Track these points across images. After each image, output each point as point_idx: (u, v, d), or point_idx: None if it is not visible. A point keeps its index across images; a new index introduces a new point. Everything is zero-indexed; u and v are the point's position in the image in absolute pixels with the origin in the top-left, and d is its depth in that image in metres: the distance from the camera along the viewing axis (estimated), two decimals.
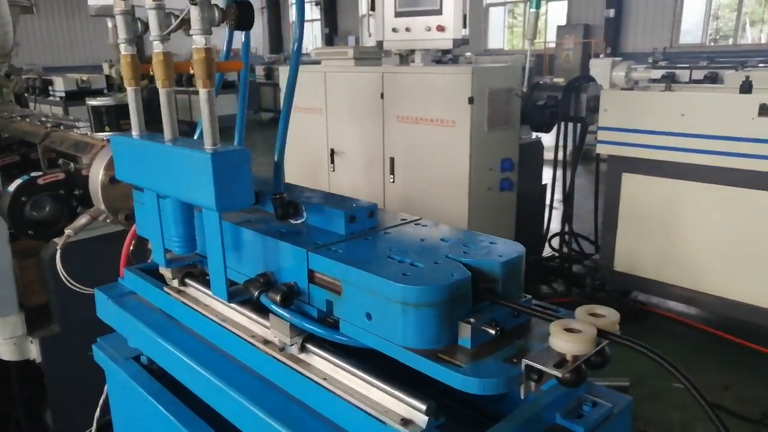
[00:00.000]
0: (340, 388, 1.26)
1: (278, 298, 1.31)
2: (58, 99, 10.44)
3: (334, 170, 5.62)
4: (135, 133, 1.53)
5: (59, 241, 2.20)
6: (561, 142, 5.27)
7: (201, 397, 1.60)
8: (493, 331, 1.14)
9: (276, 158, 1.49)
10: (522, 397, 1.06)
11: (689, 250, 4.25)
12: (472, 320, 1.14)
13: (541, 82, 5.61)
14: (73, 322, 2.86)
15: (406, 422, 1.14)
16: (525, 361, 1.04)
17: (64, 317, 2.88)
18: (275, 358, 1.41)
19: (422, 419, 1.13)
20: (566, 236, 5.31)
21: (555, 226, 5.77)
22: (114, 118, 2.48)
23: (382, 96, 5.01)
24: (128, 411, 2.03)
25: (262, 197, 1.63)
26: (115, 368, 1.96)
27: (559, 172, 5.38)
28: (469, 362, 1.10)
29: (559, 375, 1.00)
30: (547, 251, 5.76)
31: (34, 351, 2.87)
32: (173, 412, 1.66)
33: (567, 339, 1.01)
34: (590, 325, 1.04)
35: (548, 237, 5.69)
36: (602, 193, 5.11)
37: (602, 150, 4.65)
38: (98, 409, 2.38)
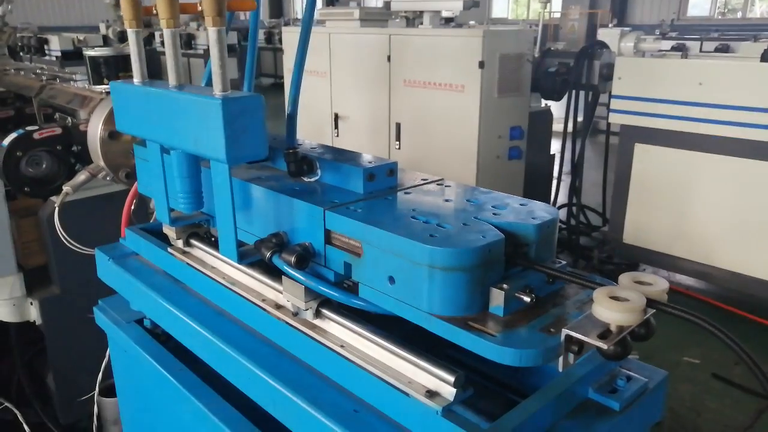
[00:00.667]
0: (358, 356, 1.18)
1: (293, 259, 1.22)
2: (54, 58, 10.21)
3: (338, 135, 5.49)
4: (137, 80, 1.41)
5: (57, 199, 2.10)
6: (572, 112, 5.14)
7: (208, 363, 1.52)
8: (528, 299, 1.05)
9: (289, 109, 1.38)
10: (560, 370, 0.97)
11: (702, 223, 4.17)
12: (505, 286, 1.05)
13: (552, 48, 5.45)
14: (73, 284, 2.78)
15: (431, 394, 1.06)
16: (565, 331, 0.95)
17: (64, 278, 2.80)
18: (288, 323, 1.33)
19: (449, 391, 1.04)
20: (574, 208, 5.22)
21: (562, 197, 5.67)
22: (113, 70, 2.35)
23: (388, 59, 4.86)
24: (131, 375, 1.96)
25: (273, 153, 1.53)
26: (117, 331, 1.88)
27: (568, 143, 5.26)
28: (503, 331, 1.01)
29: (604, 347, 0.91)
30: None
31: (33, 313, 2.80)
32: (178, 377, 1.59)
33: (614, 308, 0.92)
34: (638, 294, 0.95)
35: (556, 208, 5.60)
36: (612, 164, 5.00)
37: (615, 119, 4.53)
38: (101, 373, 2.32)
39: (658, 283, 1.00)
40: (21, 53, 12.76)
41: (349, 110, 5.36)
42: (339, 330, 1.25)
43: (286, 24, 19.69)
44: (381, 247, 1.12)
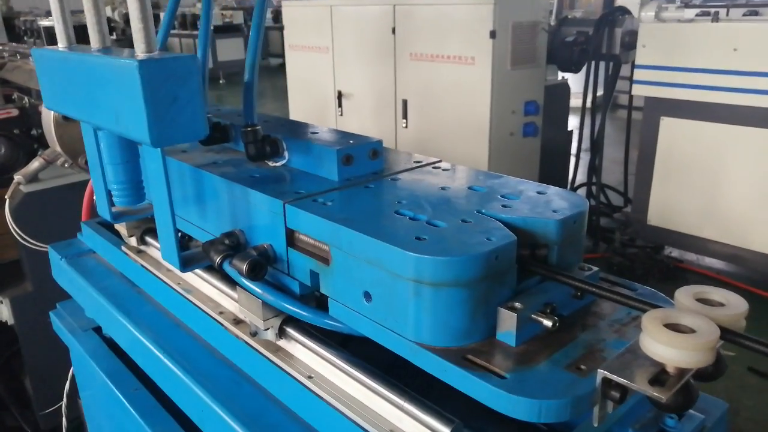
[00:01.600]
0: (329, 392, 0.92)
1: (245, 267, 0.95)
2: None
3: (342, 114, 5.20)
4: (62, 45, 1.15)
5: (8, 190, 1.85)
6: (591, 85, 4.78)
7: (160, 386, 1.27)
8: (549, 322, 0.77)
9: (246, 77, 1.11)
10: (595, 425, 0.70)
11: (734, 202, 3.84)
12: (518, 305, 0.78)
13: (570, 16, 5.08)
14: (46, 280, 2.54)
15: None
16: (602, 373, 0.68)
17: (37, 274, 2.57)
18: (247, 344, 1.07)
19: None
20: (593, 187, 4.89)
21: (581, 176, 5.34)
22: None
23: (393, 31, 4.53)
24: (90, 385, 1.72)
25: (233, 133, 1.27)
26: (71, 340, 1.64)
27: (587, 119, 4.91)
28: (515, 369, 0.74)
29: (662, 398, 0.64)
30: None
31: (5, 312, 2.58)
32: (130, 398, 1.34)
33: (676, 344, 0.64)
34: (708, 322, 0.67)
35: (574, 188, 5.28)
36: (634, 141, 4.66)
37: (638, 91, 4.18)
38: (68, 382, 2.10)
39: (733, 303, 0.71)
40: (25, 37, 12.58)
41: (353, 87, 5.06)
42: (307, 355, 0.99)
43: None
44: (353, 254, 0.85)
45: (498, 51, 4.00)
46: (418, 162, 1.19)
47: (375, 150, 1.11)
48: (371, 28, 4.71)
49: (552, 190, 0.99)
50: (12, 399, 2.74)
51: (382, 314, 0.83)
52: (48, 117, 1.84)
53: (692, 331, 0.66)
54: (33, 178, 1.96)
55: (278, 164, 1.17)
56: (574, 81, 5.13)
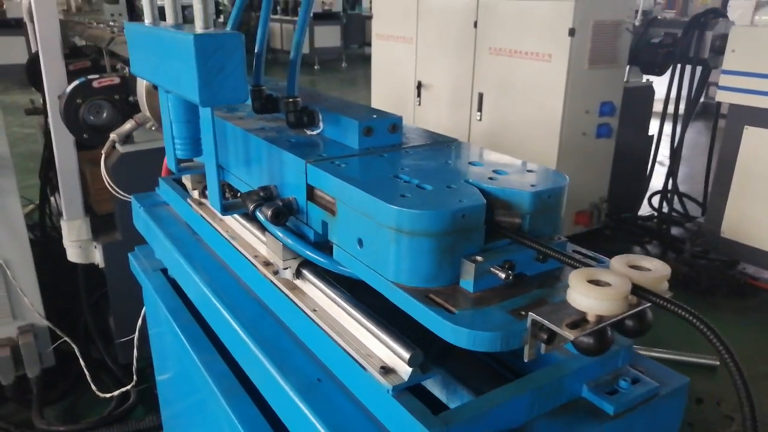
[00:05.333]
0: (327, 323, 1.09)
1: (269, 213, 1.14)
2: None
3: (419, 104, 5.34)
4: (147, 20, 1.38)
5: (104, 146, 2.16)
6: (675, 90, 4.65)
7: (205, 317, 1.49)
8: (503, 275, 0.90)
9: (291, 54, 1.29)
10: (525, 360, 0.83)
11: None
12: (479, 258, 0.92)
13: (659, 17, 4.94)
14: (134, 230, 2.89)
15: (386, 371, 0.95)
16: (531, 315, 0.80)
17: (126, 225, 2.92)
18: (271, 281, 1.26)
19: (405, 370, 0.93)
20: (668, 194, 4.76)
21: (658, 183, 5.20)
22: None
23: (475, 25, 4.62)
24: (157, 325, 2.00)
25: (281, 105, 1.46)
26: (143, 279, 1.91)
27: (670, 126, 4.77)
28: (465, 308, 0.88)
29: (570, 337, 0.76)
30: (646, 210, 5.24)
31: (97, 256, 2.96)
32: (185, 329, 1.57)
33: (588, 293, 0.76)
34: (624, 278, 0.78)
35: (649, 194, 5.15)
36: (717, 150, 4.50)
37: (723, 98, 4.04)
38: (140, 319, 2.40)
39: (658, 269, 0.82)
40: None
41: (433, 78, 5.19)
42: (316, 293, 1.17)
43: None
44: (352, 206, 1.01)
45: (576, 49, 4.00)
46: (439, 140, 1.33)
47: (394, 125, 1.27)
48: (454, 20, 4.81)
49: (541, 170, 1.11)
50: (98, 334, 3.12)
51: (371, 258, 0.99)
52: (141, 85, 2.12)
53: (608, 285, 0.78)
54: (126, 138, 2.26)
55: (314, 133, 1.34)
56: (660, 85, 5.00)
